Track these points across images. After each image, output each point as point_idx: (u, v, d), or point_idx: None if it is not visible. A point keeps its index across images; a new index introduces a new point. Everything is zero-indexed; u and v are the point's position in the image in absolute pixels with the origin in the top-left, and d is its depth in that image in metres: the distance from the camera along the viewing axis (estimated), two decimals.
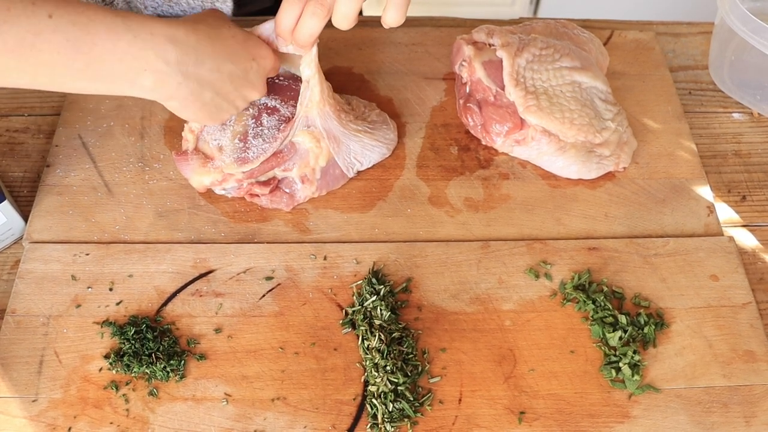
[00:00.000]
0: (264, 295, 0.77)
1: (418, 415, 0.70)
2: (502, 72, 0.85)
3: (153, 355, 0.72)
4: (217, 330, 0.75)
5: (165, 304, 0.76)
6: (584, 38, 0.93)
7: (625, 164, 0.88)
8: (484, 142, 0.89)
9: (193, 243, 0.81)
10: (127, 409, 0.70)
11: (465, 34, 0.91)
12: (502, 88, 0.85)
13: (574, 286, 0.78)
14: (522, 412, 0.70)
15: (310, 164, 0.82)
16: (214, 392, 0.71)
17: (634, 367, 0.72)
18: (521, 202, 0.85)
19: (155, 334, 0.73)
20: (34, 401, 0.70)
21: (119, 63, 0.65)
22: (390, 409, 0.69)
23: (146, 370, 0.71)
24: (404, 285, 0.78)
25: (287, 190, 0.83)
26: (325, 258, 0.80)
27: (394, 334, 0.73)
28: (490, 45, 0.88)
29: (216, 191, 0.83)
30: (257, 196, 0.83)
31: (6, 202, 0.77)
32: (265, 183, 0.82)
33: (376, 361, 0.71)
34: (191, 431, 0.69)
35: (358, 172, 0.87)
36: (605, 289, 0.78)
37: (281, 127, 0.80)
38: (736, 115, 0.96)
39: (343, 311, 0.76)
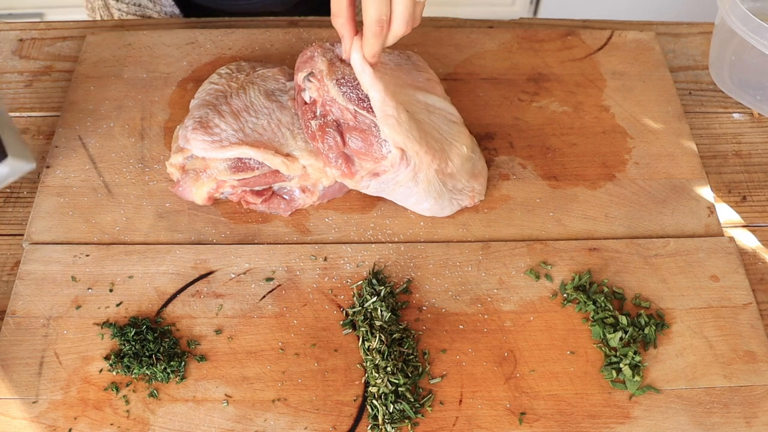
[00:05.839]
0: (264, 296, 0.77)
1: (419, 416, 0.70)
2: (356, 91, 0.77)
3: (153, 356, 0.72)
4: (218, 331, 0.75)
5: (165, 305, 0.76)
6: (422, 65, 0.87)
7: (481, 197, 0.84)
8: (337, 177, 0.79)
9: (194, 244, 0.81)
10: (128, 411, 0.70)
11: (318, 43, 0.82)
12: (361, 108, 0.76)
13: (574, 286, 0.78)
14: (522, 413, 0.70)
15: (311, 179, 0.82)
16: (214, 393, 0.71)
17: (635, 367, 0.72)
18: (521, 202, 0.85)
19: (155, 335, 0.73)
20: (34, 402, 0.70)
21: None
22: (390, 410, 0.69)
23: (146, 372, 0.71)
24: (404, 286, 0.78)
25: (286, 197, 0.83)
26: (325, 259, 0.80)
27: (394, 335, 0.73)
28: (341, 61, 0.80)
29: (216, 196, 0.83)
30: (252, 203, 0.82)
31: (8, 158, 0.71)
32: (259, 193, 0.82)
33: (377, 362, 0.71)
34: None
35: None
36: (606, 289, 0.78)
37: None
38: (736, 116, 0.96)
39: (344, 312, 0.76)
